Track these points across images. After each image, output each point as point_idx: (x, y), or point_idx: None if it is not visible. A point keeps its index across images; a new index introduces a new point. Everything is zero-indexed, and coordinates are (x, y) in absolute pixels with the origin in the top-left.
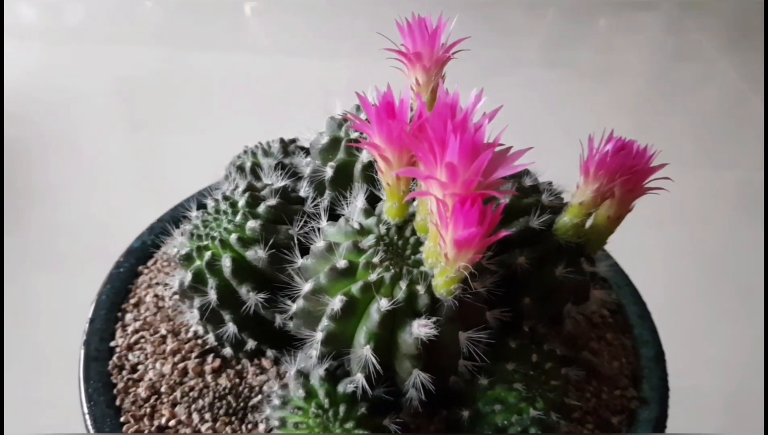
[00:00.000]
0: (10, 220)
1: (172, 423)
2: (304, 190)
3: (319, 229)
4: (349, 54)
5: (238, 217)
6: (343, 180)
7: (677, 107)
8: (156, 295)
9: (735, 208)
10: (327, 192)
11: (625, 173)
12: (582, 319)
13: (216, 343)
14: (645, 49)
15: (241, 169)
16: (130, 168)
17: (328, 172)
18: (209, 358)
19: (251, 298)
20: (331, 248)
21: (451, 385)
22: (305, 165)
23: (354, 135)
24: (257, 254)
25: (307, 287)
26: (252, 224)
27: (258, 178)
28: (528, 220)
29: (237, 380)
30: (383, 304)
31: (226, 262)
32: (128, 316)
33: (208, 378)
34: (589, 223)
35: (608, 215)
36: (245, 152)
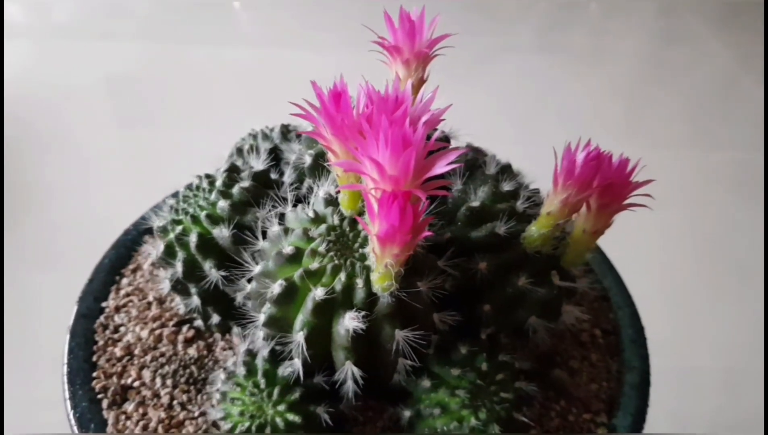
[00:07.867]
0: (5, 218)
1: (136, 384)
2: (288, 175)
3: (282, 214)
4: (339, 46)
5: (213, 196)
6: (321, 168)
7: (670, 89)
8: (153, 264)
9: (730, 188)
10: (306, 179)
11: (601, 185)
12: (568, 336)
13: (186, 315)
14: (637, 31)
15: (240, 151)
16: (125, 163)
17: (307, 159)
18: (184, 328)
19: (212, 274)
20: (283, 233)
21: (393, 382)
22: (292, 151)
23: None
24: (221, 232)
25: (257, 269)
26: (222, 204)
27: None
28: (495, 225)
29: (205, 352)
30: (318, 293)
31: (192, 238)
32: (124, 281)
33: (179, 347)
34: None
35: (584, 229)
36: (249, 135)
